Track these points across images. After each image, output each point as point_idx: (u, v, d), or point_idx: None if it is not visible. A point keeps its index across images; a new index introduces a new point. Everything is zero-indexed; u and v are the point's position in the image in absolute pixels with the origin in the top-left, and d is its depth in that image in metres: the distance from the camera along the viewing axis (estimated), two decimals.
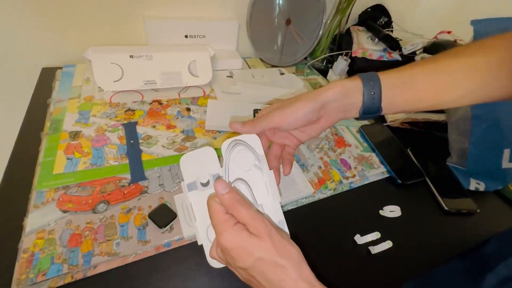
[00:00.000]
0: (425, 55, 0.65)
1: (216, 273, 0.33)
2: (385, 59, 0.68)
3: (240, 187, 0.29)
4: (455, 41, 0.69)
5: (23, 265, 0.30)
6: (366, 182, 0.48)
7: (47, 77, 0.56)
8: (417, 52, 0.70)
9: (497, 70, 0.28)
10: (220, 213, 0.26)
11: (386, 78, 0.30)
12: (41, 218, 0.34)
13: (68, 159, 0.40)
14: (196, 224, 0.30)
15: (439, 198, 0.47)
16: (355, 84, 0.31)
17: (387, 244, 0.39)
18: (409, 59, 0.68)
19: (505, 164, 0.49)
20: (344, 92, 0.31)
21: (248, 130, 0.32)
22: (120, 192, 0.38)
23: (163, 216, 0.36)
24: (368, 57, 0.69)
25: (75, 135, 0.44)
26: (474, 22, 0.46)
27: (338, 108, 0.32)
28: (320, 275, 0.25)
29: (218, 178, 0.30)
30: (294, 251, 0.25)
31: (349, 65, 0.71)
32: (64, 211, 0.35)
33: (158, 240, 0.34)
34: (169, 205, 0.38)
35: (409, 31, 0.80)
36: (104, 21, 0.59)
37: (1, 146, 0.63)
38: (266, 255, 0.24)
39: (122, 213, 0.36)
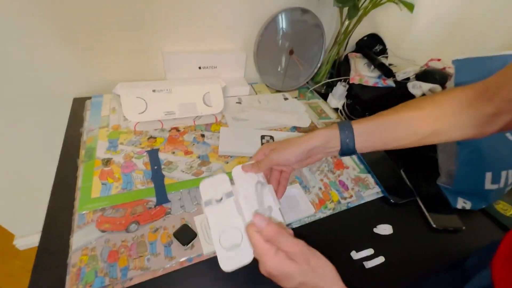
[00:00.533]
0: (417, 82, 0.71)
1: (232, 284, 0.39)
2: (379, 85, 0.75)
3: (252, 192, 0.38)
4: (443, 68, 0.76)
5: (73, 278, 0.36)
6: (362, 202, 0.54)
7: (78, 106, 0.63)
8: (410, 78, 0.77)
9: (443, 120, 0.36)
10: (261, 243, 0.31)
11: (358, 127, 0.38)
12: (84, 237, 0.40)
13: (102, 184, 0.47)
14: (211, 232, 0.36)
15: (428, 216, 0.53)
16: (334, 133, 0.39)
17: (379, 260, 0.45)
18: (402, 85, 0.74)
19: (488, 185, 0.54)
20: (326, 140, 0.39)
21: (255, 171, 0.41)
22: (148, 213, 0.45)
23: (185, 235, 0.42)
24: (364, 84, 0.76)
25: (107, 162, 0.51)
26: (455, 61, 0.52)
27: (322, 151, 0.40)
28: None
29: (255, 212, 0.36)
30: (328, 270, 0.30)
31: (348, 90, 0.77)
32: (103, 231, 0.41)
33: (182, 256, 0.40)
34: (190, 225, 0.44)
35: (402, 57, 0.86)
36: (127, 55, 0.67)
37: (45, 172, 0.70)
38: (306, 279, 0.29)
39: (151, 232, 0.43)
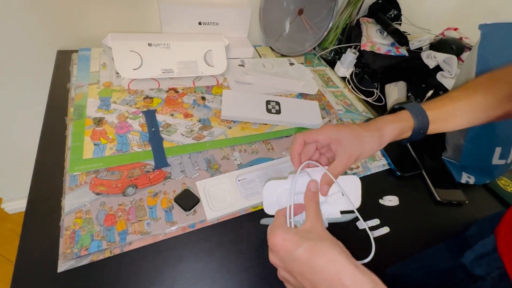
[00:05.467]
0: (431, 52, 0.67)
1: (236, 250, 0.38)
2: (392, 54, 0.70)
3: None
4: (460, 38, 0.71)
5: (66, 241, 0.34)
6: (369, 173, 0.52)
7: (63, 60, 0.57)
8: (423, 48, 0.72)
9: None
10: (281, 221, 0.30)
11: (432, 114, 0.36)
12: (77, 200, 0.37)
13: (95, 144, 0.43)
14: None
15: (433, 190, 0.52)
16: (408, 125, 0.36)
17: (385, 230, 0.44)
18: (415, 55, 0.70)
19: (495, 160, 0.54)
20: (399, 134, 0.36)
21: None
22: (146, 177, 0.42)
23: (188, 200, 0.40)
24: (376, 51, 0.71)
25: (99, 121, 0.46)
26: (481, 26, 0.48)
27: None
28: None
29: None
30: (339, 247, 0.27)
31: (357, 58, 0.72)
32: (97, 194, 0.38)
33: (184, 222, 0.38)
34: (191, 190, 0.41)
35: (417, 25, 0.81)
36: (118, 4, 0.59)
37: (29, 129, 0.65)
38: (312, 241, 0.26)
39: (150, 197, 0.40)
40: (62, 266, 0.32)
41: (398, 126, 0.36)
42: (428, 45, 0.72)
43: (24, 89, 0.64)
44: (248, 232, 0.40)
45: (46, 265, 0.32)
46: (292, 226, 0.30)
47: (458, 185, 0.54)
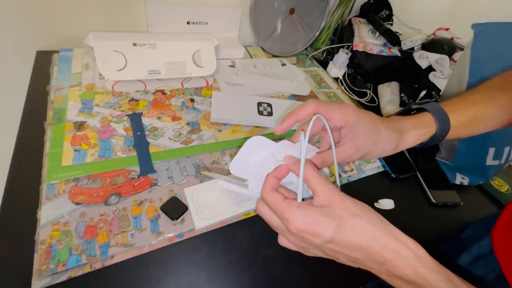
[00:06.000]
0: (423, 52, 0.66)
1: (227, 260, 0.36)
2: (384, 54, 0.70)
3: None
4: (452, 38, 0.71)
5: (42, 256, 0.31)
6: (363, 176, 0.51)
7: (43, 61, 0.54)
8: (415, 48, 0.72)
9: None
10: (280, 201, 0.25)
11: (455, 119, 0.33)
12: (54, 210, 0.35)
13: (75, 150, 0.40)
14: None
15: (428, 192, 0.51)
16: (429, 131, 0.32)
17: None
18: (407, 55, 0.69)
19: (489, 161, 0.53)
20: (417, 142, 0.32)
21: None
22: (131, 184, 0.39)
23: (175, 208, 0.38)
24: (368, 51, 0.70)
25: (80, 125, 0.44)
26: (474, 26, 0.48)
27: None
28: (321, 261, 0.27)
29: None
30: (366, 207, 0.25)
31: (350, 58, 0.72)
32: (77, 203, 0.36)
33: (171, 231, 0.36)
34: (179, 198, 0.39)
35: (409, 26, 0.80)
36: (102, 2, 0.56)
37: (3, 134, 0.61)
38: (344, 219, 0.23)
39: (134, 205, 0.37)
40: (37, 284, 0.30)
41: (421, 133, 0.32)
42: (420, 45, 0.71)
43: (4, 93, 0.60)
44: (239, 241, 0.38)
45: (19, 284, 0.30)
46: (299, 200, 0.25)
47: (452, 186, 0.54)
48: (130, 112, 0.48)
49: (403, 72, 0.68)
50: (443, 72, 0.64)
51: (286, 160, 0.28)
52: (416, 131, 0.31)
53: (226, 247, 0.37)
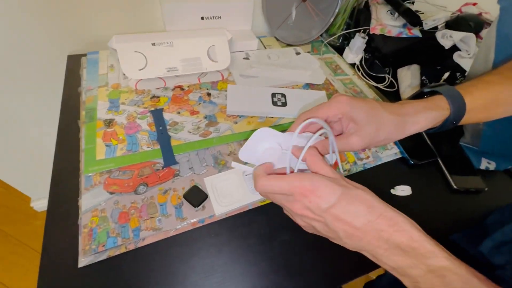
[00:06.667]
0: (447, 31, 0.63)
1: (246, 244, 0.39)
2: (404, 35, 0.67)
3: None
4: (480, 14, 0.66)
5: (85, 238, 0.36)
6: (380, 162, 0.51)
7: (73, 64, 0.59)
8: (439, 27, 0.68)
9: None
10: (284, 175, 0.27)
11: (471, 102, 0.31)
12: (92, 199, 0.39)
13: (107, 145, 0.45)
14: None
15: (449, 177, 0.50)
16: (442, 114, 0.31)
17: None
18: (429, 35, 0.66)
19: None
20: (432, 124, 0.31)
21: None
22: (156, 175, 0.43)
23: (196, 196, 0.41)
24: (386, 34, 0.68)
25: (109, 123, 0.48)
26: (501, 0, 0.44)
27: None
28: (336, 246, 0.29)
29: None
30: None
31: (367, 43, 0.69)
32: (111, 193, 0.40)
33: (193, 217, 0.40)
34: (200, 187, 0.42)
35: (432, 3, 0.76)
36: (121, 6, 0.59)
37: (48, 133, 0.69)
38: (347, 188, 0.25)
39: (160, 194, 0.41)
40: (83, 261, 0.35)
41: (432, 115, 0.30)
42: (444, 24, 0.67)
43: (42, 95, 0.67)
44: (257, 226, 0.41)
45: (68, 260, 0.35)
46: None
47: (476, 172, 0.52)
48: (152, 109, 0.51)
49: (424, 54, 0.65)
50: (469, 51, 0.60)
51: (293, 151, 0.30)
52: (427, 113, 0.30)
53: (245, 231, 0.40)
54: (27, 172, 0.89)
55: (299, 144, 0.31)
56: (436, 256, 0.22)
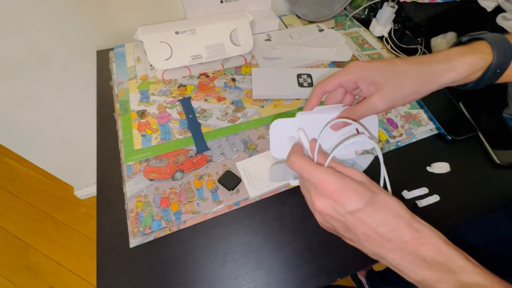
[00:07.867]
0: None
1: (279, 224, 0.40)
2: (440, 0, 0.61)
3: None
4: None
5: (133, 222, 0.39)
6: (414, 140, 0.49)
7: (102, 59, 0.61)
8: None
9: None
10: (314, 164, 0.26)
11: None
12: (135, 186, 0.42)
13: (142, 136, 0.47)
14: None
15: (491, 152, 0.47)
16: (484, 60, 0.26)
17: (434, 198, 0.42)
18: None
19: None
20: (471, 71, 0.27)
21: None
22: (190, 161, 0.45)
23: (230, 180, 0.42)
24: (419, 0, 0.62)
25: (142, 113, 0.50)
26: None
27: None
28: None
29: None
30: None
31: (396, 12, 0.65)
32: (151, 180, 0.43)
33: (229, 200, 0.41)
34: (232, 171, 0.44)
35: None
36: None
37: (87, 126, 0.73)
38: (376, 194, 0.24)
39: (196, 179, 0.43)
40: (133, 242, 0.38)
41: (471, 60, 0.26)
42: None
43: (79, 91, 0.71)
44: (289, 207, 0.42)
45: (120, 242, 0.38)
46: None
47: None
48: (180, 97, 0.53)
49: (461, 19, 0.59)
50: None
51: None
52: (465, 57, 0.26)
53: (278, 212, 0.41)
54: (69, 164, 0.96)
55: (315, 120, 0.30)
56: (467, 272, 0.21)
